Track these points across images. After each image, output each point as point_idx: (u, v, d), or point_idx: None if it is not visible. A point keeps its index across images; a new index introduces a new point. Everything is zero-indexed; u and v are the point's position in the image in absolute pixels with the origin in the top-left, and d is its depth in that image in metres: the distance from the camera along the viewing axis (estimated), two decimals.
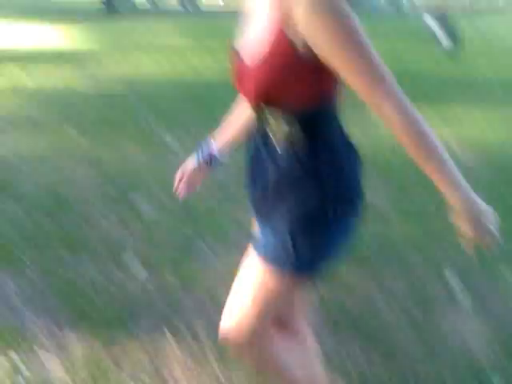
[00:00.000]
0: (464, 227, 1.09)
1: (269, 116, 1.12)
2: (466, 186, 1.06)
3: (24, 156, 4.00)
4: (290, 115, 1.10)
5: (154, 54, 8.81)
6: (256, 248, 1.24)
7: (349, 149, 1.21)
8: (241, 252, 1.36)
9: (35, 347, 2.00)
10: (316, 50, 1.00)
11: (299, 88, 1.06)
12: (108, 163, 3.90)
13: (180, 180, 1.50)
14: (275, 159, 1.15)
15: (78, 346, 2.00)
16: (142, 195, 3.34)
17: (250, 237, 1.38)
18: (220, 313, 1.33)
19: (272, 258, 1.19)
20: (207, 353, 1.97)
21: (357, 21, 0.99)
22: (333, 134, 1.17)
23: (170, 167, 1.96)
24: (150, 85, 6.57)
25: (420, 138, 1.02)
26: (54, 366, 1.91)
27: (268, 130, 1.14)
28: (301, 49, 1.01)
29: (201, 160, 1.47)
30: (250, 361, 1.39)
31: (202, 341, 2.02)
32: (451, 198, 1.06)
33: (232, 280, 1.32)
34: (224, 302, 1.33)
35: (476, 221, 1.07)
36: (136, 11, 18.73)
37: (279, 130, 1.13)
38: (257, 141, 1.19)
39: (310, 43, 1.00)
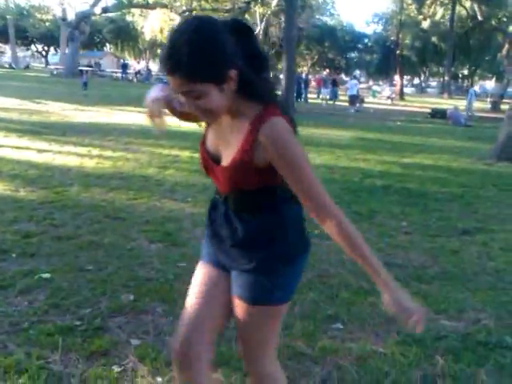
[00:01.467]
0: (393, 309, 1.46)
1: (234, 194, 1.54)
2: (390, 279, 1.49)
3: None
4: (250, 194, 1.52)
5: None
6: (235, 292, 1.60)
7: (297, 209, 1.58)
8: None
9: None
10: (277, 168, 1.43)
11: (256, 180, 1.48)
12: None
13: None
14: (243, 222, 1.55)
15: None
16: None
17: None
18: None
19: (251, 296, 1.57)
20: None
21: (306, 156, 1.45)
22: (282, 202, 1.55)
23: None
24: None
25: (354, 244, 1.47)
26: None
27: (233, 202, 1.55)
28: (260, 162, 1.44)
29: None
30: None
31: None
32: (383, 288, 1.49)
33: None
34: None
35: (401, 306, 1.46)
36: None
37: (242, 202, 1.55)
38: (221, 205, 1.60)
39: (273, 163, 1.43)
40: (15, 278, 3.34)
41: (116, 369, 2.39)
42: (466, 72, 54.82)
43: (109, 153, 8.19)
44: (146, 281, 3.37)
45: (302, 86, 26.69)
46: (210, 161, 1.55)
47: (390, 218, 5.28)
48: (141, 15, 44.39)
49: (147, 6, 35.39)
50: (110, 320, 2.86)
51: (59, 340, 2.59)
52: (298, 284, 1.64)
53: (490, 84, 52.19)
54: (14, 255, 3.74)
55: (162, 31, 33.50)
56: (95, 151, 8.25)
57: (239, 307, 1.59)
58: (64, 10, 42.37)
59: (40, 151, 7.97)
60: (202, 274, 1.70)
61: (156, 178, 6.58)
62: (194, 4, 32.44)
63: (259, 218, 1.54)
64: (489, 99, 35.25)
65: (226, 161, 1.49)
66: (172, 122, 1.83)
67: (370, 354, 2.64)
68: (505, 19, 38.04)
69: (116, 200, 5.43)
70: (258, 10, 33.18)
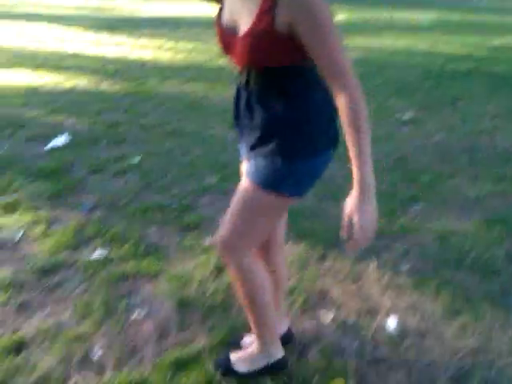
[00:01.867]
0: (350, 213, 1.28)
1: (256, 75, 1.39)
2: (370, 168, 1.27)
3: None
4: (272, 74, 1.36)
5: None
6: (247, 175, 1.46)
7: (324, 96, 1.39)
8: None
9: None
10: (298, 34, 1.23)
11: (278, 53, 1.30)
12: None
13: None
14: (263, 103, 1.40)
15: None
16: None
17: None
18: None
19: (260, 178, 1.42)
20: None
21: (333, 18, 1.24)
22: (307, 84, 1.38)
23: None
24: None
25: (357, 124, 1.26)
26: None
27: (253, 82, 1.40)
28: (281, 28, 1.24)
29: None
30: (229, 268, 1.58)
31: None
32: (358, 171, 1.26)
33: None
34: None
35: (352, 216, 1.28)
36: None
37: (262, 82, 1.38)
38: (243, 91, 1.45)
39: (294, 27, 1.23)
40: (108, 162, 3.59)
41: (207, 240, 2.60)
42: None
43: (182, 45, 8.20)
44: (227, 164, 3.51)
45: None
46: (228, 37, 1.39)
47: (474, 104, 5.03)
48: None
49: None
50: (198, 199, 3.06)
51: (155, 215, 2.83)
52: (314, 182, 1.48)
53: None
54: (104, 142, 3.98)
55: None
56: (168, 44, 8.28)
57: (245, 187, 1.47)
58: None
59: (117, 44, 8.11)
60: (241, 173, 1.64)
61: (229, 68, 6.56)
62: None
63: (283, 104, 1.38)
64: None
65: (244, 29, 1.32)
66: None
67: (452, 232, 2.68)
68: None
69: (193, 91, 5.52)
70: None
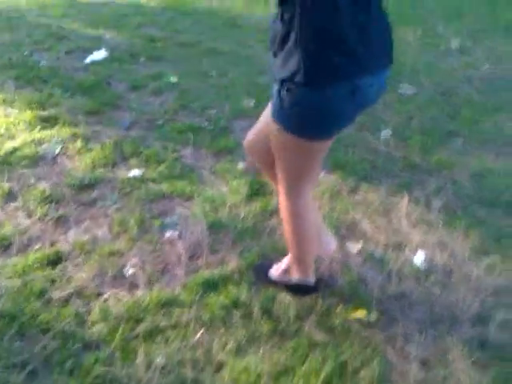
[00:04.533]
0: None
1: None
2: None
3: None
4: None
5: None
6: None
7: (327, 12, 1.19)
8: None
9: None
10: None
11: None
12: None
13: None
14: (281, 21, 1.25)
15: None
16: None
17: None
18: None
19: (272, 114, 1.36)
20: None
21: None
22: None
23: None
24: None
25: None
26: None
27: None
28: None
29: None
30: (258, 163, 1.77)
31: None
32: None
33: None
34: None
35: None
36: None
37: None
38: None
39: None
40: (146, 80, 3.57)
41: (241, 165, 2.62)
42: None
43: None
44: (265, 87, 3.45)
45: None
46: None
47: None
48: None
49: None
50: (235, 122, 3.05)
51: (190, 136, 2.85)
52: (334, 121, 1.32)
53: None
54: (142, 59, 3.95)
55: None
56: None
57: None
58: None
59: None
60: None
61: None
62: None
63: (287, 15, 1.22)
64: None
65: None
66: None
67: (489, 170, 2.63)
68: None
69: (232, 8, 5.34)
70: None
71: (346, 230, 2.19)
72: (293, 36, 1.22)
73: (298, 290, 1.81)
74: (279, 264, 1.85)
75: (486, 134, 2.98)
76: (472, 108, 3.27)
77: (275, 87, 1.33)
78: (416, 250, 2.09)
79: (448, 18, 5.09)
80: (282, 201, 1.60)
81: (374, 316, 1.77)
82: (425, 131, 2.97)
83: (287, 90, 1.26)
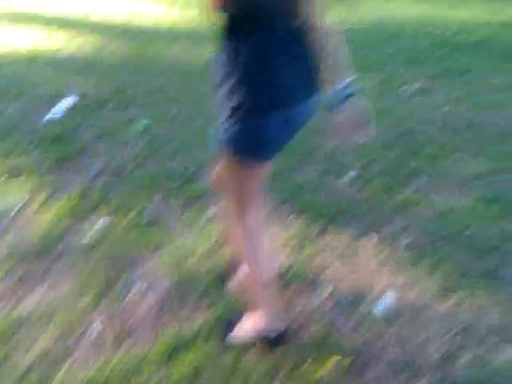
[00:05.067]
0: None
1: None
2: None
3: None
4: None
5: None
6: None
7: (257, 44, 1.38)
8: None
9: None
10: None
11: None
12: None
13: None
14: (226, 57, 1.43)
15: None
16: None
17: None
18: None
19: (220, 139, 1.49)
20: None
21: None
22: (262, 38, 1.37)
23: None
24: None
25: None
26: None
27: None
28: None
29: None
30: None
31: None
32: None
33: None
34: None
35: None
36: None
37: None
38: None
39: None
40: (115, 127, 3.59)
41: (210, 211, 2.63)
42: None
43: None
44: None
45: None
46: None
47: (481, 76, 4.96)
48: None
49: None
50: (204, 168, 3.07)
51: (160, 183, 2.86)
52: (267, 146, 1.50)
53: None
54: (110, 105, 3.97)
55: None
56: None
57: None
58: None
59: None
60: None
61: None
62: None
63: (226, 43, 1.42)
64: None
65: None
66: None
67: (451, 208, 2.70)
68: None
69: (198, 53, 5.46)
70: None
71: (315, 275, 2.21)
72: (236, 74, 1.39)
73: (268, 340, 1.80)
74: (243, 323, 1.86)
75: (449, 172, 3.07)
76: (433, 146, 3.37)
77: (223, 114, 1.45)
78: (385, 291, 2.11)
79: (408, 62, 5.30)
80: (235, 225, 1.69)
81: (346, 361, 1.76)
82: (388, 171, 3.05)
83: (235, 117, 1.42)
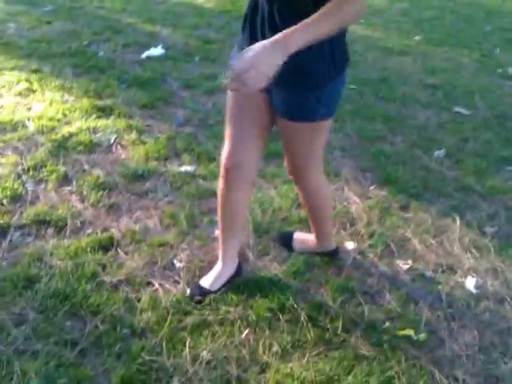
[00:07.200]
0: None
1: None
2: (304, 41, 1.18)
3: None
4: None
5: None
6: (278, 111, 1.57)
7: None
8: None
9: None
10: None
11: None
12: None
13: None
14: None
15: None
16: None
17: None
18: None
19: (303, 115, 1.53)
20: None
21: None
22: None
23: None
24: None
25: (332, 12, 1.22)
26: None
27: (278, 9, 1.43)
28: None
29: None
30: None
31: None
32: (291, 29, 1.18)
33: None
34: None
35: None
36: None
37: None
38: (266, 15, 1.48)
39: None
40: (200, 79, 3.61)
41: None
42: None
43: None
44: None
45: None
46: None
47: None
48: None
49: None
50: None
51: None
52: (339, 98, 1.58)
53: None
54: (197, 59, 4.00)
55: None
56: None
57: (285, 125, 1.59)
58: None
59: None
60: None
61: None
62: None
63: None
64: None
65: None
66: None
67: None
68: None
69: None
70: None
71: (395, 247, 2.16)
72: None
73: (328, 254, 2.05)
74: (302, 236, 2.10)
75: None
76: None
77: (299, 93, 1.48)
78: (467, 275, 2.05)
79: (506, 43, 5.02)
80: (314, 181, 1.80)
81: (422, 336, 1.73)
82: (479, 154, 2.92)
83: (321, 86, 1.48)
